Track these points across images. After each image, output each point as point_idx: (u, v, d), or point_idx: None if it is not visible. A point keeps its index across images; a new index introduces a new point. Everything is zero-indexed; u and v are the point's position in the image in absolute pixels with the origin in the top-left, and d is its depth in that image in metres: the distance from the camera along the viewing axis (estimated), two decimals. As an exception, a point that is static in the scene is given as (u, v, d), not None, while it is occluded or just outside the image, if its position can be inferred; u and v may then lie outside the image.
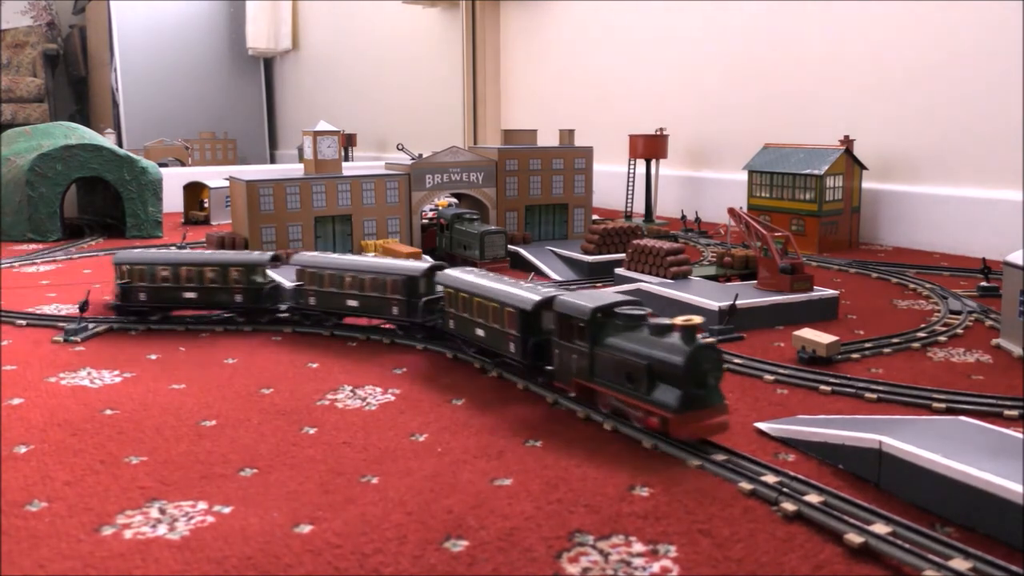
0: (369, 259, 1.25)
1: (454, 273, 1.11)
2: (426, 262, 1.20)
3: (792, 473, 0.73)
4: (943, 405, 0.91)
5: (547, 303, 0.93)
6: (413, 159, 1.91)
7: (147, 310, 1.32)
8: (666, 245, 1.47)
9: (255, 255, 1.31)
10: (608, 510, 0.69)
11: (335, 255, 1.29)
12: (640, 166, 2.48)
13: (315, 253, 1.33)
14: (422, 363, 1.11)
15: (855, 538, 0.62)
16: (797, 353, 1.10)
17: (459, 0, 3.74)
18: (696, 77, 2.73)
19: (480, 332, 1.03)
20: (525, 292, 0.97)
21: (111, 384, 1.03)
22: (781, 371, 1.04)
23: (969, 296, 1.46)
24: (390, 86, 4.51)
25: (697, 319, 0.78)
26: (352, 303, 1.21)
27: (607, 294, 0.92)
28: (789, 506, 0.67)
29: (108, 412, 0.92)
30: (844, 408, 0.92)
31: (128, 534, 0.65)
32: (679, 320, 0.78)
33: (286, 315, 1.30)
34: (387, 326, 1.24)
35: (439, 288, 1.13)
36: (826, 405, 0.93)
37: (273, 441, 0.84)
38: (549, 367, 0.93)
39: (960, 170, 1.98)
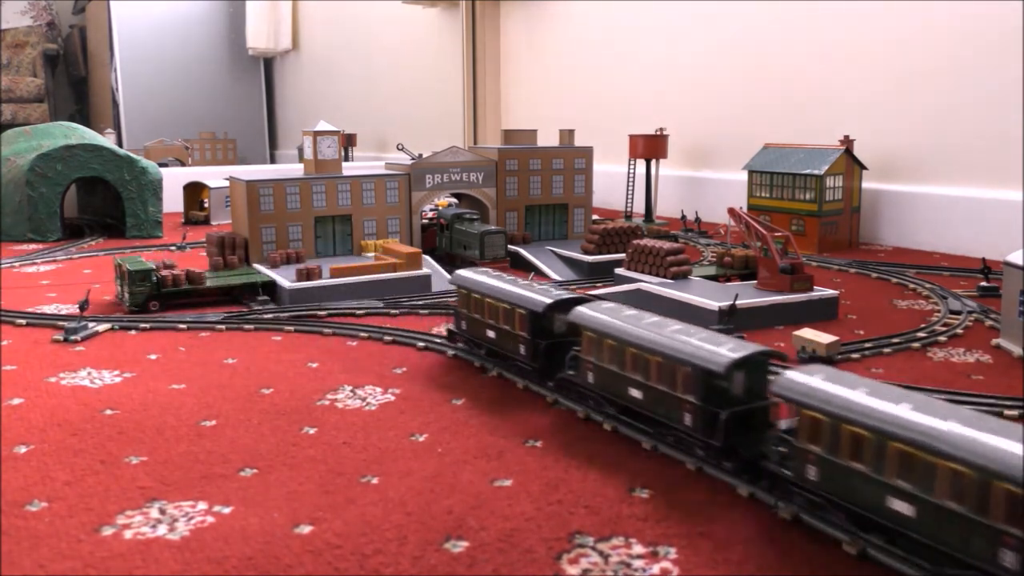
0: (658, 330, 0.80)
1: (800, 384, 0.66)
2: (745, 347, 0.74)
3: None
4: (943, 405, 0.91)
5: None
6: (413, 159, 1.91)
7: (465, 340, 1.12)
8: (666, 245, 1.47)
9: (550, 293, 0.97)
10: (608, 512, 0.69)
11: (624, 316, 0.86)
12: (640, 166, 2.48)
13: (601, 314, 0.88)
14: (422, 363, 1.11)
15: (853, 548, 0.62)
16: (797, 353, 1.10)
17: (459, 0, 3.74)
18: (696, 77, 2.73)
19: (907, 507, 0.58)
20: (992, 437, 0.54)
21: (111, 384, 1.02)
22: (781, 371, 1.04)
23: (969, 296, 1.46)
24: (390, 86, 4.51)
25: None
26: (635, 393, 0.82)
27: None
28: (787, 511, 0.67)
29: (108, 412, 0.92)
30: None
31: (128, 534, 0.65)
32: None
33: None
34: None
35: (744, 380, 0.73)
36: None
37: (273, 441, 0.84)
38: None
39: (960, 170, 1.98)
